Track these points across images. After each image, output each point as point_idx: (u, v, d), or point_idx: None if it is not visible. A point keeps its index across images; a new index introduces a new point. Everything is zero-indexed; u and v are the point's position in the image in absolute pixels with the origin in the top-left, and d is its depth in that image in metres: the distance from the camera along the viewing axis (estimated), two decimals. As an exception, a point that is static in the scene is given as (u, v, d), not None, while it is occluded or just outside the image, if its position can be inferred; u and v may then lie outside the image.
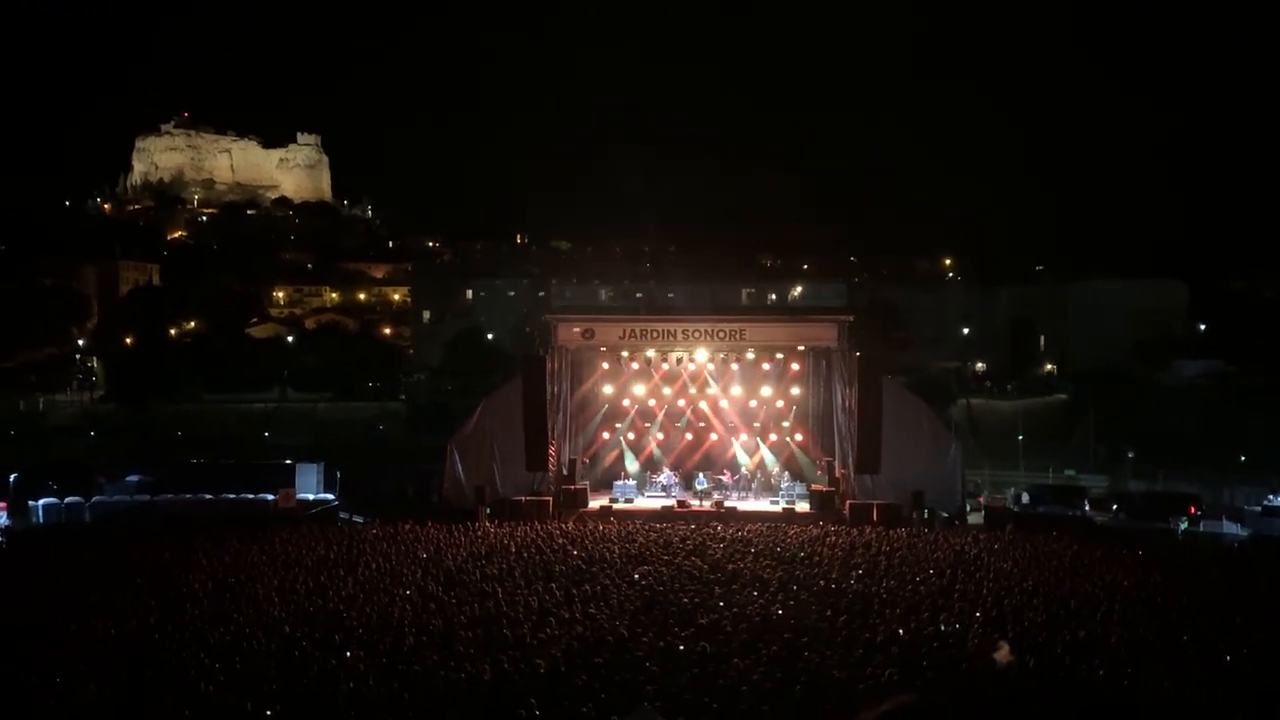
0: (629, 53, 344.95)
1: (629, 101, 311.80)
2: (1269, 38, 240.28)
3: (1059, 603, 19.40)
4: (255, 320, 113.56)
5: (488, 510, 34.60)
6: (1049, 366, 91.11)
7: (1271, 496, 35.79)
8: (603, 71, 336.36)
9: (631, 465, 41.28)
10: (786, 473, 39.93)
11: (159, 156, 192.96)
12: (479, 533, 29.82)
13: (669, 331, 38.65)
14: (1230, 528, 34.10)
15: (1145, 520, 34.39)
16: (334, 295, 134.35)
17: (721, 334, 38.64)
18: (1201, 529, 33.76)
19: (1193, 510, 34.76)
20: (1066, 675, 14.24)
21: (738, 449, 41.41)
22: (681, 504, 36.57)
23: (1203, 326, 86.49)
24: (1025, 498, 38.62)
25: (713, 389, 41.50)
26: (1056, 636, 16.46)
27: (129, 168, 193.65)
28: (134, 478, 38.46)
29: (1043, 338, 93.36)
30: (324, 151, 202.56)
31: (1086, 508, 36.64)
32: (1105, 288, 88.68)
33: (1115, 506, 37.54)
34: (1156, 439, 50.21)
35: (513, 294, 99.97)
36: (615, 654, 15.04)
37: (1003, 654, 12.40)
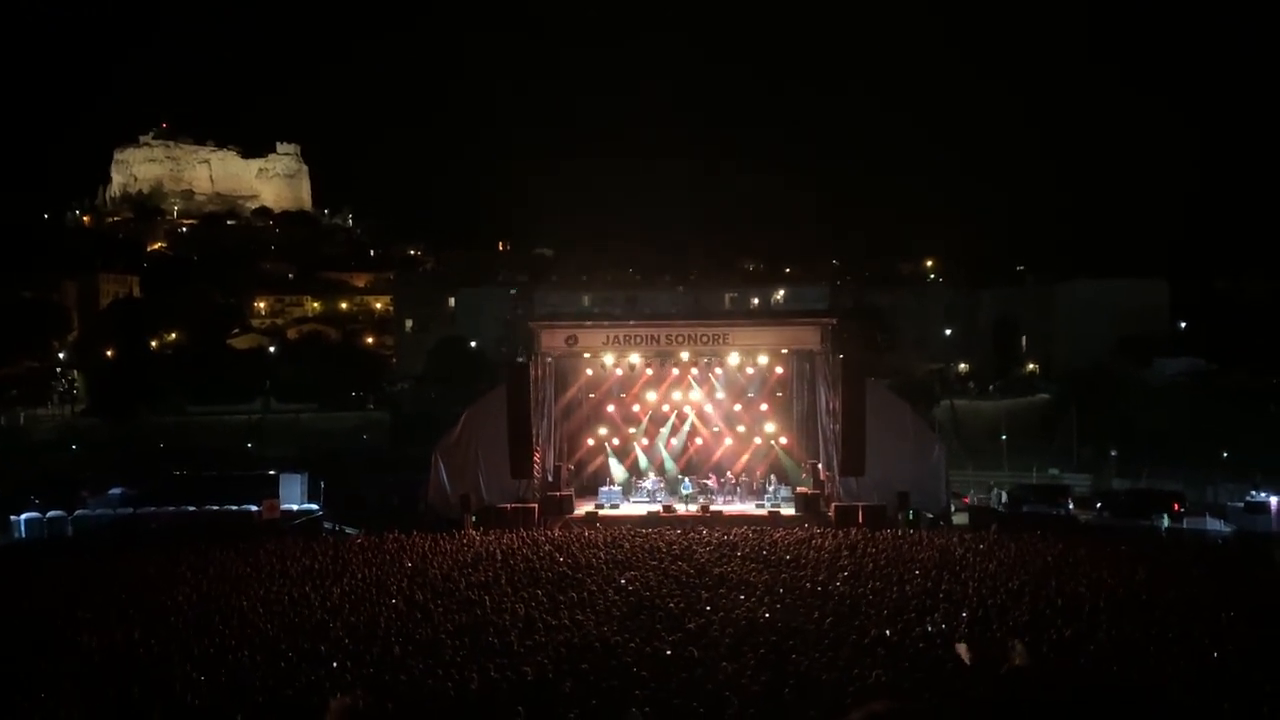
0: (610, 59, 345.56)
1: (610, 108, 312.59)
2: (1258, 37, 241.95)
3: (1045, 602, 19.43)
4: (237, 331, 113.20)
5: (473, 518, 34.53)
6: (1031, 366, 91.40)
7: (1254, 492, 35.95)
8: (584, 79, 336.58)
9: (617, 471, 41.25)
10: (771, 476, 39.99)
11: (138, 168, 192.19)
12: (464, 541, 29.75)
13: (652, 337, 38.63)
14: (1214, 524, 34.27)
15: (1129, 518, 34.52)
16: (315, 305, 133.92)
17: (705, 339, 38.64)
18: (1185, 526, 33.90)
19: (1176, 507, 34.89)
20: (1052, 674, 14.25)
21: (722, 453, 41.44)
22: (667, 509, 36.59)
23: (1183, 325, 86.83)
24: (1003, 495, 38.72)
25: (696, 394, 41.54)
26: (1043, 635, 16.49)
27: (108, 180, 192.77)
28: (117, 491, 38.31)
29: (1025, 338, 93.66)
30: (304, 161, 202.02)
31: (1070, 506, 36.75)
32: (1087, 287, 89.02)
33: (1099, 505, 37.67)
34: (1140, 437, 50.38)
35: (496, 302, 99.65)
36: (602, 660, 14.99)
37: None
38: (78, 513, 36.33)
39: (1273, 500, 34.28)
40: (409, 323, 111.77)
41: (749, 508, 37.69)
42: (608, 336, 38.83)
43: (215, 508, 36.65)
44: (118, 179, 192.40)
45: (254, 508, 36.29)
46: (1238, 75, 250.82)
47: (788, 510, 36.69)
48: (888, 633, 16.73)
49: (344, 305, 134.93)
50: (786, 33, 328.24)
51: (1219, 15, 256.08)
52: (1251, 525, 33.15)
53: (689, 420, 42.00)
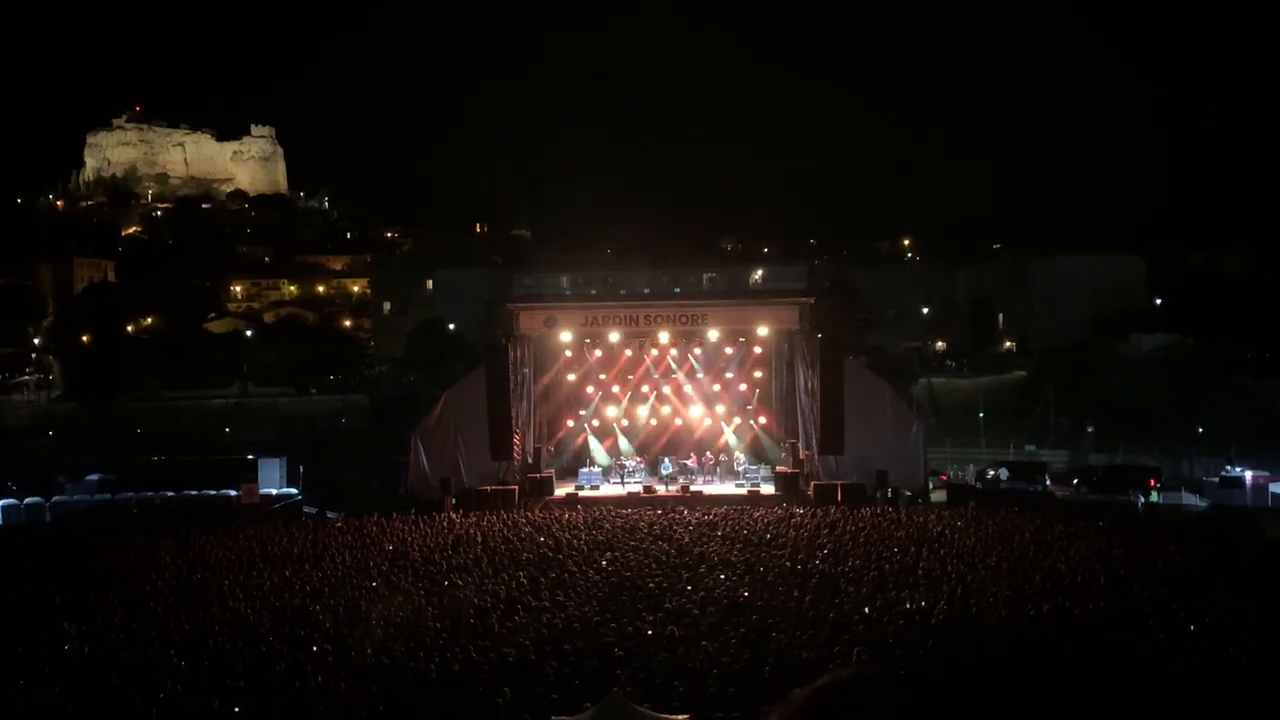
0: (589, 39, 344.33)
1: (589, 87, 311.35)
2: (1232, 13, 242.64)
3: (1023, 577, 19.57)
4: (213, 315, 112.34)
5: (453, 501, 34.51)
6: (1009, 343, 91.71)
7: (1229, 467, 36.28)
8: (562, 58, 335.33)
9: (597, 452, 41.23)
10: (750, 455, 40.03)
11: (111, 151, 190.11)
12: (445, 523, 29.76)
13: (631, 317, 38.60)
14: (1190, 499, 34.60)
15: (1106, 493, 34.75)
16: (292, 288, 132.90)
17: (684, 319, 38.64)
18: (1162, 500, 34.17)
19: (1153, 482, 35.16)
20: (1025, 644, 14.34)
21: (702, 433, 41.47)
22: (647, 489, 36.63)
23: (1159, 301, 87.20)
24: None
25: (676, 374, 41.53)
26: (1021, 611, 16.61)
27: (81, 164, 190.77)
28: (95, 477, 38.10)
29: (1002, 315, 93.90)
30: (279, 143, 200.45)
31: (1048, 482, 36.96)
32: (1064, 264, 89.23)
33: (1076, 481, 37.91)
34: (1116, 413, 50.62)
35: (474, 284, 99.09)
36: (584, 640, 15.04)
37: None
38: (55, 499, 36.17)
39: (1248, 475, 34.62)
40: (387, 305, 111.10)
41: (728, 487, 37.73)
42: (586, 317, 38.78)
43: (194, 493, 36.56)
44: (91, 163, 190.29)
45: (233, 492, 36.19)
46: (1212, 52, 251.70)
47: (767, 489, 36.77)
48: (867, 610, 16.83)
49: (321, 288, 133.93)
50: (763, 13, 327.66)
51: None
52: (1227, 500, 33.49)
53: (669, 400, 41.99)
